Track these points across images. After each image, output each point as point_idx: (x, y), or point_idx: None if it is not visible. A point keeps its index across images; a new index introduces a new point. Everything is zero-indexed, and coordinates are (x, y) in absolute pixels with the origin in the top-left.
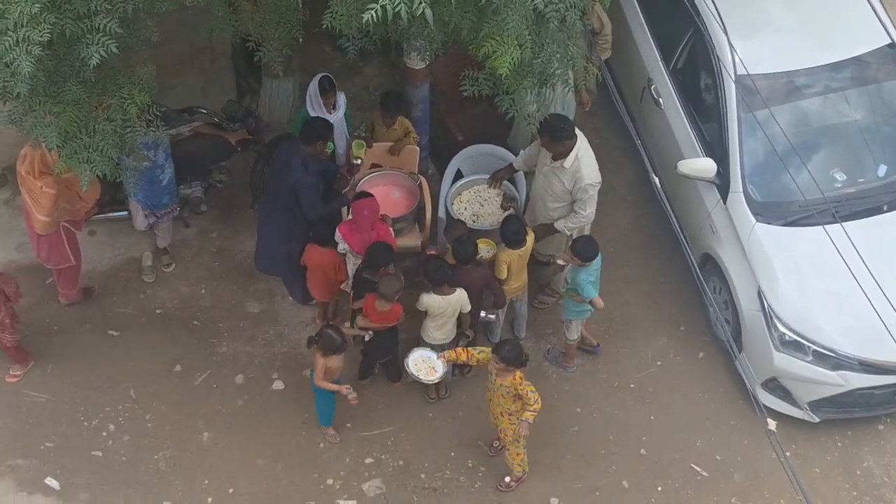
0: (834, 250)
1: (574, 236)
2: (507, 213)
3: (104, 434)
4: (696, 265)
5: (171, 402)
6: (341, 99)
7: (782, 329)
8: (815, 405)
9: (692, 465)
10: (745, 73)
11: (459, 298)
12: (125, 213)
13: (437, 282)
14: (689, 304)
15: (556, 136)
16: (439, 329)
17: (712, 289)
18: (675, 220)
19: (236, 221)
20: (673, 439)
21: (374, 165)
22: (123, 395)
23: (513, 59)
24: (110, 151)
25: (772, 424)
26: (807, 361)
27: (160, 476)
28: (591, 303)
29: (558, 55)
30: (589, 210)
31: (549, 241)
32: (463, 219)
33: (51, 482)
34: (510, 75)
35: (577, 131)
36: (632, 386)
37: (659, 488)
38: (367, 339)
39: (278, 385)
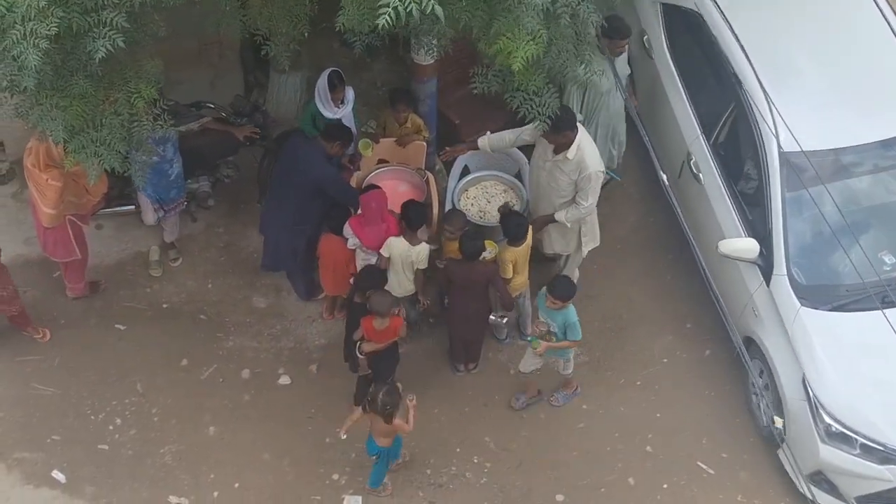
0: (883, 337)
1: (571, 227)
2: (504, 210)
3: (111, 428)
4: (742, 348)
5: (178, 397)
6: (349, 94)
7: (828, 420)
8: (864, 501)
9: (698, 463)
10: (791, 149)
11: (420, 252)
12: (132, 207)
13: (415, 226)
14: (695, 302)
15: (559, 126)
16: (397, 279)
17: (757, 373)
18: (719, 302)
19: (243, 216)
20: (679, 437)
21: (381, 161)
22: (130, 388)
23: (527, 54)
24: (118, 145)
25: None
26: (854, 455)
27: (166, 470)
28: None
29: (566, 51)
30: (591, 201)
31: (557, 240)
32: (470, 215)
33: (57, 475)
34: (521, 72)
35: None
36: (638, 383)
37: (665, 486)
38: (366, 375)
39: (284, 380)
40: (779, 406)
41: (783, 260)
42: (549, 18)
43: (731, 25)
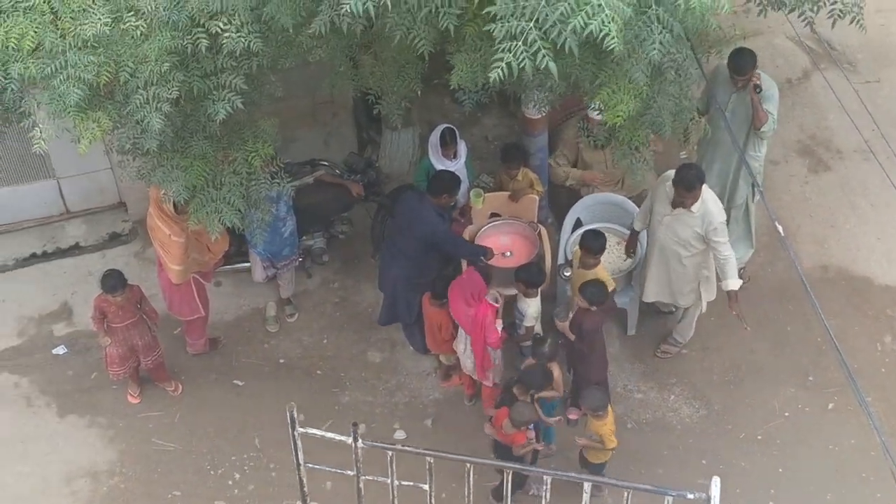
0: None
1: (690, 280)
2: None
3: (230, 483)
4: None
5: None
6: (462, 148)
7: None
8: None
9: None
10: None
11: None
12: (249, 264)
13: (536, 285)
14: (817, 354)
15: (693, 185)
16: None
17: None
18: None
19: (358, 271)
20: (803, 493)
21: (493, 214)
22: (248, 443)
23: (628, 108)
24: (237, 203)
25: None
26: None
27: None
28: None
29: (666, 109)
30: (728, 250)
31: (677, 292)
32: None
33: None
34: (625, 126)
35: None
36: (759, 437)
37: None
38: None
39: (400, 434)
40: None
41: None
42: (654, 74)
43: None
